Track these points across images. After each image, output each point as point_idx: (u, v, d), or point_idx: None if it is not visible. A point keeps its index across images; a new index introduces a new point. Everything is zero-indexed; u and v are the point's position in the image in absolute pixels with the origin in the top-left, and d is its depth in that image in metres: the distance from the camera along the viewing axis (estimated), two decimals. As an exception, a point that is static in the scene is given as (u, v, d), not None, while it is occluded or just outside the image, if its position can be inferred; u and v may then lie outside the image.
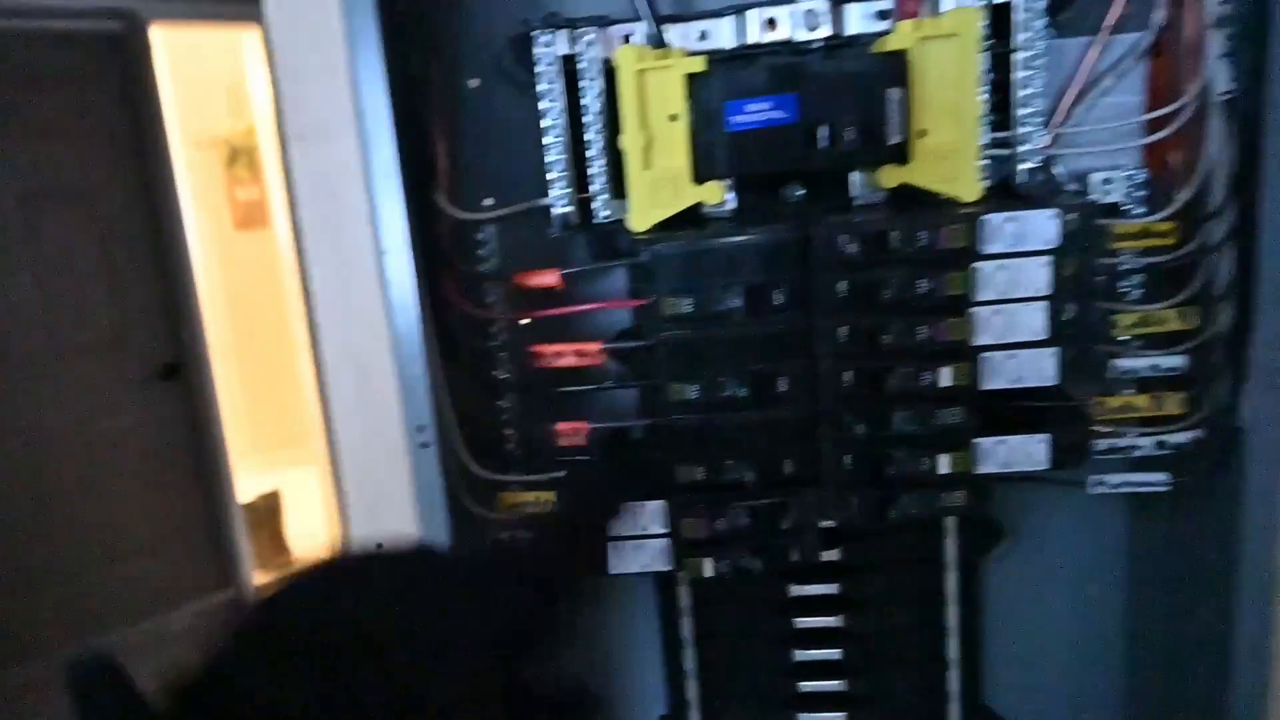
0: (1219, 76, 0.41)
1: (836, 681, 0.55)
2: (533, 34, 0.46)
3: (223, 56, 2.47)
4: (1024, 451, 0.44)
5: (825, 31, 0.45)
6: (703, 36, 0.47)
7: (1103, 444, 0.46)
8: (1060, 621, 0.55)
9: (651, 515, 0.47)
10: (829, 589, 0.54)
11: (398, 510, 0.47)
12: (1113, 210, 0.48)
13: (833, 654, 0.55)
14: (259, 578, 2.64)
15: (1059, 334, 0.42)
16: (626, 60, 0.44)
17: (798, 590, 0.54)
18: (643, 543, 0.47)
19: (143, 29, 2.14)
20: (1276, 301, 0.40)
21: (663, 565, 0.47)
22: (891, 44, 0.43)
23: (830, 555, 0.53)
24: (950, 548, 0.53)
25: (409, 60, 0.47)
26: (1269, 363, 0.41)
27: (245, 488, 2.76)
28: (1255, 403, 0.41)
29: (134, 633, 2.40)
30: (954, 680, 0.55)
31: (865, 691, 0.55)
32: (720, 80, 0.43)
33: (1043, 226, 0.41)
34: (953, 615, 0.54)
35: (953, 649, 0.54)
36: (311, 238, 0.44)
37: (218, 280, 2.89)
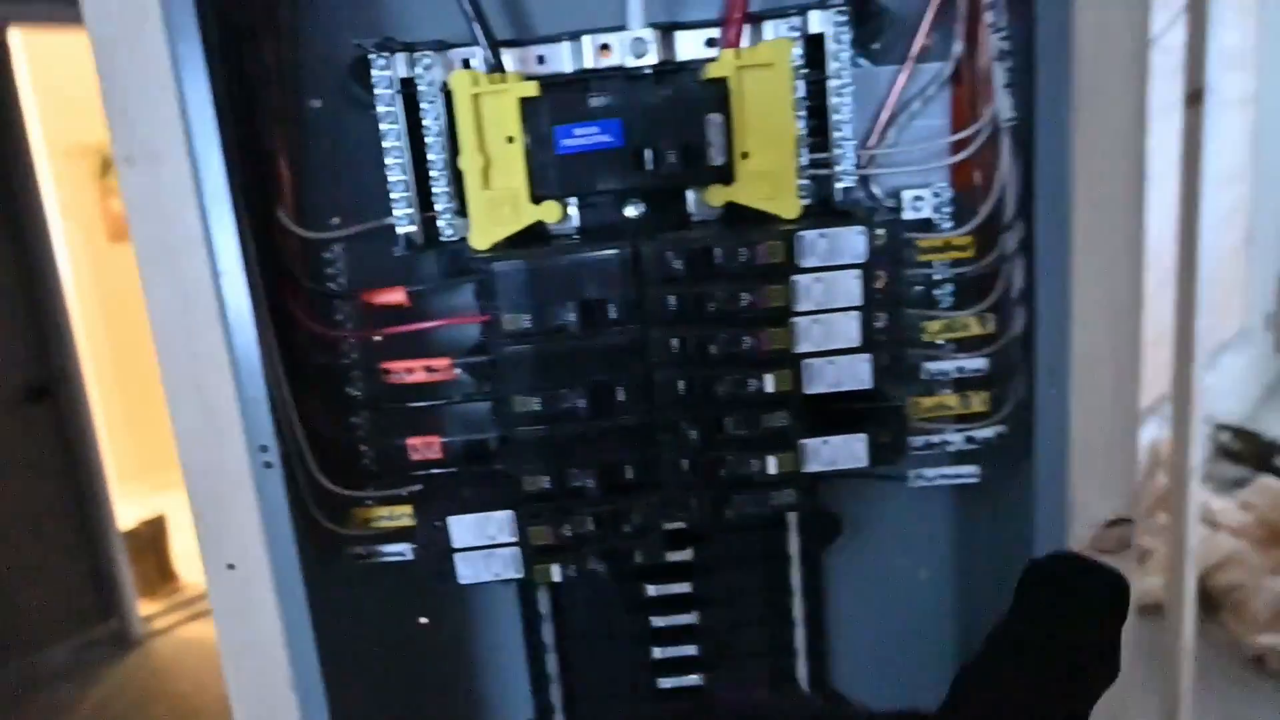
0: (1004, 105, 0.45)
1: (694, 676, 0.58)
2: (370, 57, 0.47)
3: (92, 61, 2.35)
4: (846, 450, 0.47)
5: (653, 58, 0.47)
6: (541, 60, 0.49)
7: (920, 441, 0.50)
8: (897, 606, 0.59)
9: (500, 525, 0.48)
10: (683, 588, 0.56)
11: (246, 530, 0.47)
12: (926, 225, 0.52)
13: (689, 650, 0.57)
14: (143, 608, 2.52)
15: (872, 341, 0.46)
16: (461, 85, 0.45)
17: (654, 590, 0.57)
18: (493, 551, 0.48)
19: (1, 33, 2.02)
20: (1052, 305, 0.45)
21: (514, 573, 0.49)
22: (713, 72, 0.45)
23: (682, 555, 0.56)
24: (793, 543, 0.56)
25: (248, 82, 0.47)
26: (1049, 361, 0.45)
27: (127, 513, 2.63)
28: (1041, 398, 0.46)
29: (6, 671, 2.26)
30: (803, 668, 0.58)
31: (722, 683, 0.58)
32: (550, 105, 0.44)
33: (852, 242, 0.45)
34: (798, 607, 0.57)
35: (800, 638, 0.58)
36: (146, 261, 0.44)
37: (91, 295, 2.75)
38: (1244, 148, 2.69)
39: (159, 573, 2.71)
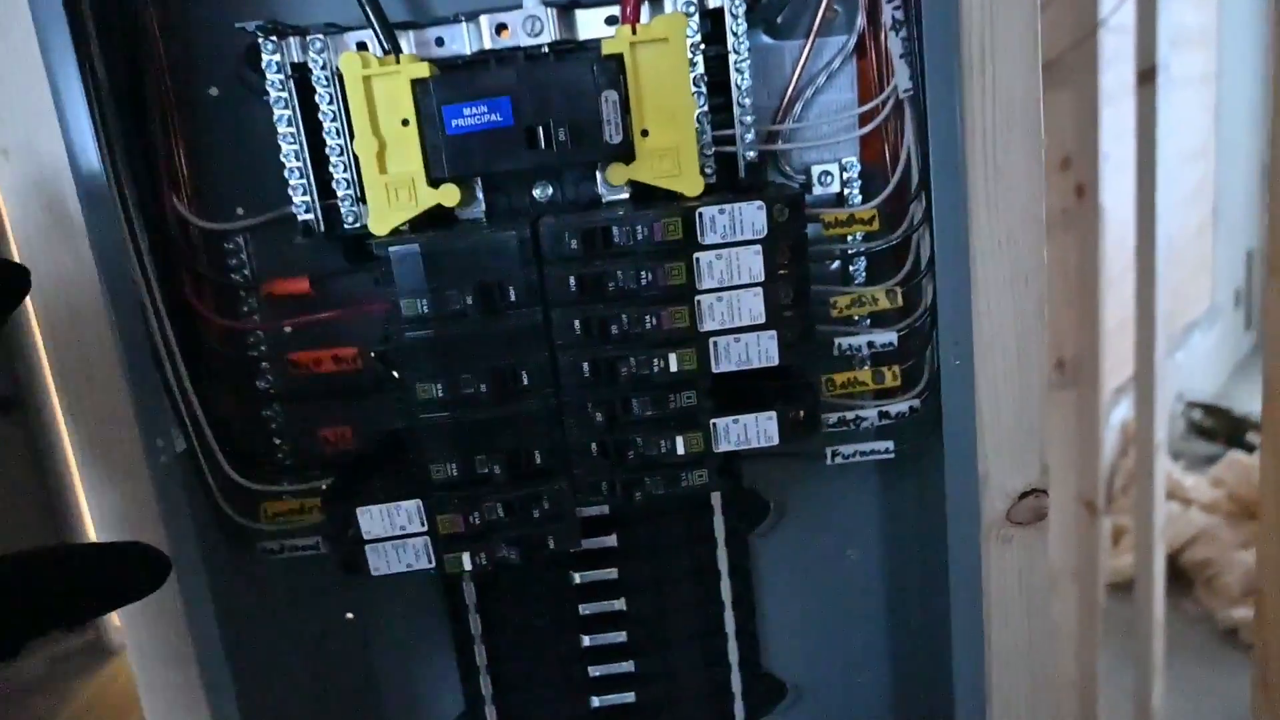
0: (902, 75, 0.45)
1: (625, 663, 0.57)
2: (260, 42, 0.46)
3: None
4: (757, 429, 0.47)
5: (550, 37, 0.47)
6: (440, 43, 0.48)
7: (834, 418, 0.49)
8: (826, 585, 0.59)
9: (409, 514, 0.47)
10: (609, 574, 0.56)
11: (146, 528, 0.46)
12: (839, 200, 0.51)
13: (618, 637, 0.57)
14: (116, 618, 2.50)
15: (777, 317, 0.45)
16: (351, 67, 0.44)
17: (580, 577, 0.56)
18: (403, 542, 0.47)
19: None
20: (951, 275, 0.44)
21: (425, 563, 0.48)
22: (607, 48, 0.45)
23: (607, 541, 0.55)
24: (719, 525, 0.56)
25: (138, 70, 0.46)
26: (952, 332, 0.45)
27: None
28: (947, 370, 0.45)
29: (-21, 687, 2.23)
30: (734, 651, 0.58)
31: (652, 670, 0.57)
32: (439, 86, 0.44)
33: (752, 217, 0.44)
34: (727, 589, 0.57)
35: (730, 621, 0.57)
36: (25, 250, 0.43)
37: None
38: (1206, 125, 2.71)
39: (135, 582, 2.69)
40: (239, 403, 0.51)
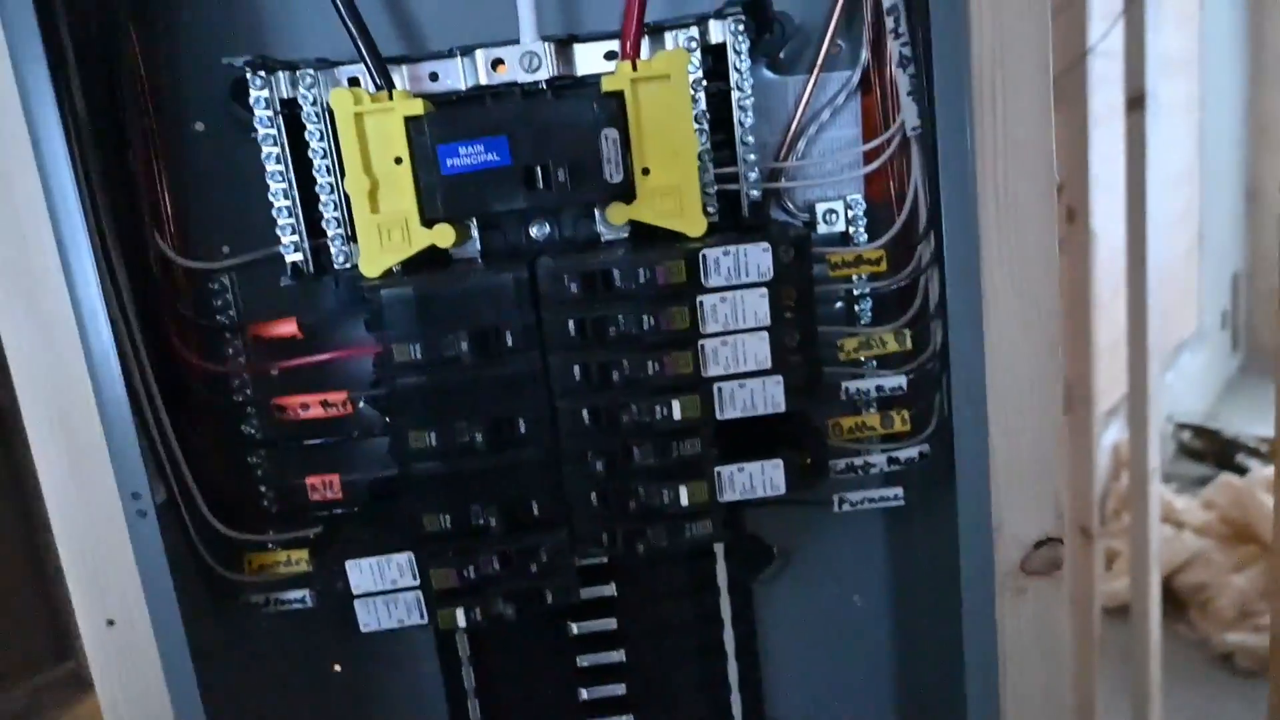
0: (910, 113, 0.44)
1: (624, 716, 0.55)
2: (248, 77, 0.44)
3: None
4: (763, 477, 0.45)
5: (547, 73, 0.45)
6: (434, 78, 0.47)
7: (841, 463, 0.48)
8: (832, 632, 0.57)
9: (401, 567, 0.45)
10: (608, 624, 0.54)
11: (125, 583, 0.44)
12: (843, 239, 0.50)
13: (618, 689, 0.55)
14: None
15: (784, 361, 0.44)
16: (342, 103, 0.43)
17: (578, 628, 0.54)
18: (395, 596, 0.45)
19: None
20: (964, 320, 0.43)
21: (417, 619, 0.46)
22: (608, 85, 0.43)
23: (605, 590, 0.53)
24: (721, 573, 0.54)
25: (119, 104, 0.45)
26: (965, 378, 0.43)
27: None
28: (959, 417, 0.44)
29: (-46, 722, 2.17)
30: (737, 703, 0.56)
31: (652, 724, 0.55)
32: (434, 124, 0.42)
33: (757, 259, 0.43)
34: (730, 638, 0.55)
35: (734, 671, 0.55)
36: (3, 294, 0.41)
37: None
38: (1190, 150, 2.73)
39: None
40: (222, 449, 0.49)
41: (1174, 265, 2.57)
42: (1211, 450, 2.68)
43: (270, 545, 0.49)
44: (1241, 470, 2.49)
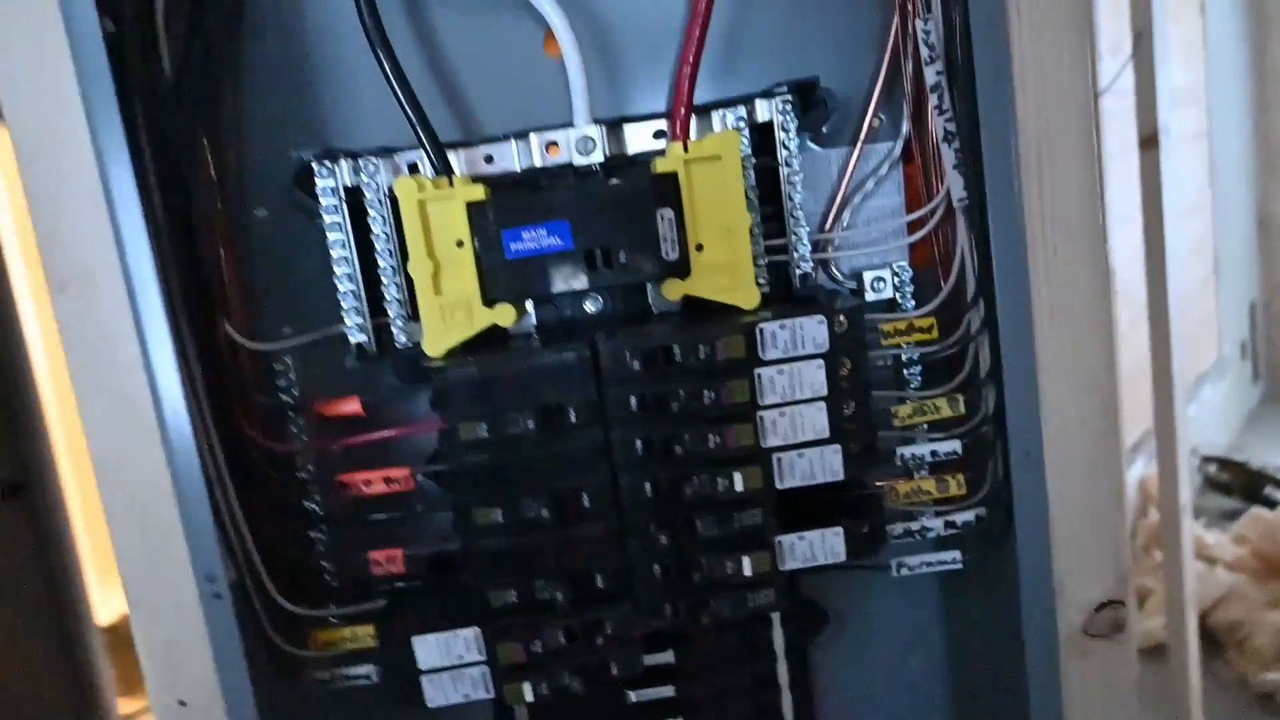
0: (956, 185, 0.45)
1: (684, 783, 0.55)
2: (313, 166, 0.46)
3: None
4: (823, 545, 0.46)
5: (600, 155, 0.47)
6: (489, 160, 0.48)
7: (899, 528, 0.48)
8: (888, 695, 0.57)
9: (467, 643, 0.46)
10: (666, 692, 0.54)
11: (198, 664, 0.45)
12: (890, 305, 0.51)
13: (676, 756, 0.54)
14: (123, 706, 2.43)
15: (841, 430, 0.45)
16: (406, 192, 0.44)
17: (636, 696, 0.54)
18: (461, 671, 0.46)
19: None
20: (1020, 386, 0.44)
21: (484, 693, 0.46)
22: (661, 167, 0.45)
23: (663, 658, 0.53)
24: (778, 637, 0.54)
25: (188, 194, 0.46)
26: (1022, 443, 0.44)
27: (106, 607, 2.55)
28: (1018, 482, 0.44)
29: (-22, 784, 2.16)
30: (796, 767, 0.55)
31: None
32: (496, 209, 0.44)
33: (814, 331, 0.44)
34: (787, 702, 0.55)
35: (792, 737, 0.55)
36: (83, 386, 0.42)
37: (68, 388, 2.71)
38: (1202, 180, 2.74)
39: (138, 669, 2.63)
40: (286, 526, 0.50)
41: (1190, 297, 2.57)
42: (1239, 483, 2.65)
43: (333, 620, 0.50)
44: (1271, 503, 2.46)
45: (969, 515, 0.48)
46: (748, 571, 0.45)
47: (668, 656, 0.53)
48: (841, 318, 0.44)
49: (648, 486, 0.44)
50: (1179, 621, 1.58)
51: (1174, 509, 1.54)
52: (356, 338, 0.47)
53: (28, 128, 0.41)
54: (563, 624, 0.45)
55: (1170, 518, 1.55)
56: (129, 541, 0.44)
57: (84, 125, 0.40)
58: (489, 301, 0.45)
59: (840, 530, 0.45)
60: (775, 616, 0.53)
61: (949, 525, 0.48)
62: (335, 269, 0.47)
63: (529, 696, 0.45)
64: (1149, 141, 1.48)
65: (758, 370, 0.44)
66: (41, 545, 2.33)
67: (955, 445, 0.47)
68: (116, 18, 0.41)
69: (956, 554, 0.49)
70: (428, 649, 0.46)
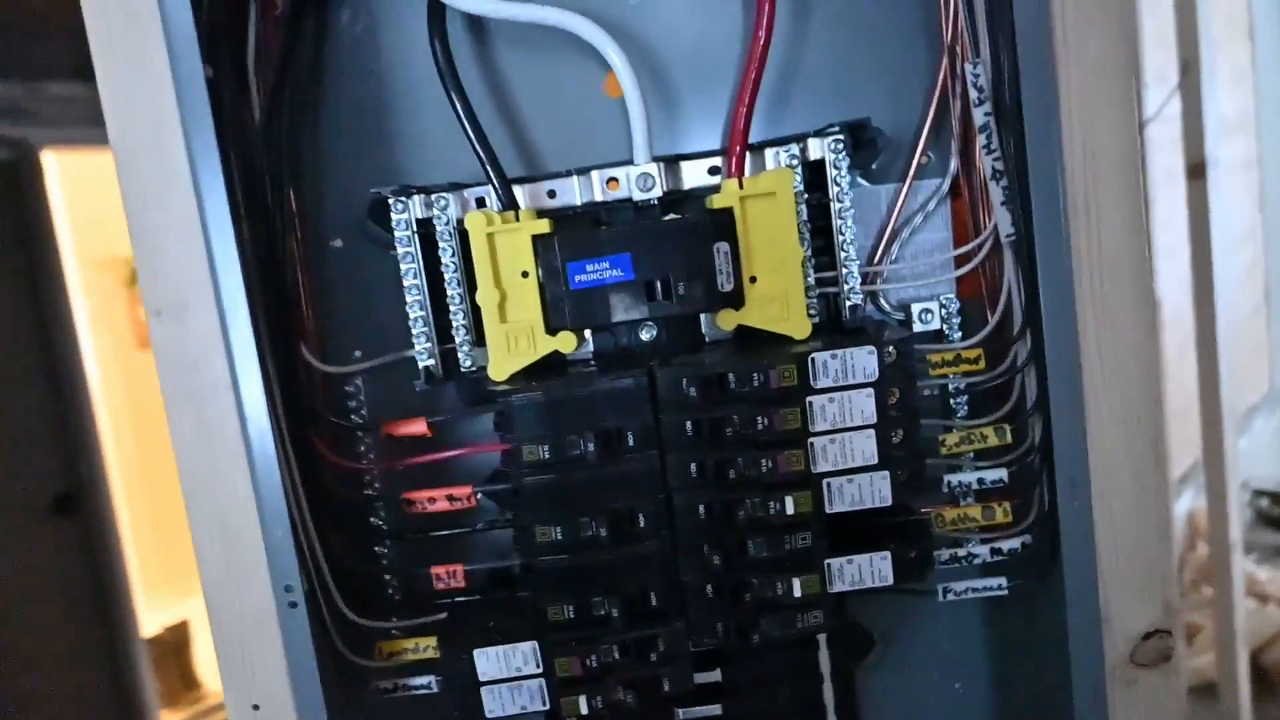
0: (1004, 221, 0.46)
1: (729, 802, 0.56)
2: (389, 201, 0.49)
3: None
4: (871, 569, 0.47)
5: (658, 192, 0.49)
6: (552, 195, 0.51)
7: (945, 554, 0.49)
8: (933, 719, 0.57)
9: (525, 656, 0.47)
10: (713, 710, 0.55)
11: (272, 671, 0.47)
12: (937, 336, 0.52)
13: (722, 775, 0.56)
14: (165, 717, 2.48)
15: (889, 457, 0.46)
16: (476, 226, 0.47)
17: (685, 714, 0.55)
18: (519, 684, 0.48)
19: (34, 156, 2.12)
20: (1067, 417, 0.45)
21: (540, 705, 0.48)
22: (717, 202, 0.47)
23: (711, 677, 0.55)
24: (824, 660, 0.55)
25: (270, 225, 0.49)
26: (1070, 473, 0.45)
27: (151, 619, 2.61)
28: (1064, 511, 0.45)
29: (28, 789, 2.21)
30: (841, 790, 0.56)
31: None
32: (561, 242, 0.46)
33: (864, 361, 0.45)
34: (833, 725, 0.56)
35: (837, 759, 0.56)
36: (174, 408, 0.45)
37: (120, 402, 2.80)
38: (1252, 210, 2.70)
39: (181, 681, 2.68)
40: (353, 541, 0.52)
41: (1241, 327, 2.53)
42: (1292, 517, 2.58)
43: (394, 632, 0.52)
44: (1326, 538, 2.39)
45: (1015, 543, 0.49)
46: (797, 593, 0.46)
47: (715, 675, 0.55)
48: (890, 348, 0.46)
49: (701, 509, 0.46)
50: (1230, 660, 1.54)
51: (1224, 544, 1.52)
52: (425, 362, 0.50)
53: (132, 162, 0.45)
54: (617, 640, 0.47)
55: (1220, 553, 1.52)
56: (212, 553, 0.46)
57: (185, 163, 0.44)
58: (552, 329, 0.47)
59: (888, 554, 0.46)
60: (822, 639, 0.55)
61: (995, 552, 0.49)
62: (406, 296, 0.49)
63: (584, 709, 0.47)
64: (1196, 171, 1.47)
65: (809, 398, 0.45)
66: (91, 557, 2.40)
67: (1002, 473, 0.48)
68: (214, 65, 0.44)
69: (1002, 580, 0.50)
70: (488, 661, 0.47)
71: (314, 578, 0.49)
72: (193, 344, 0.45)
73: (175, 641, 2.69)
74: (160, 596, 2.75)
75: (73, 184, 2.31)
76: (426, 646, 0.51)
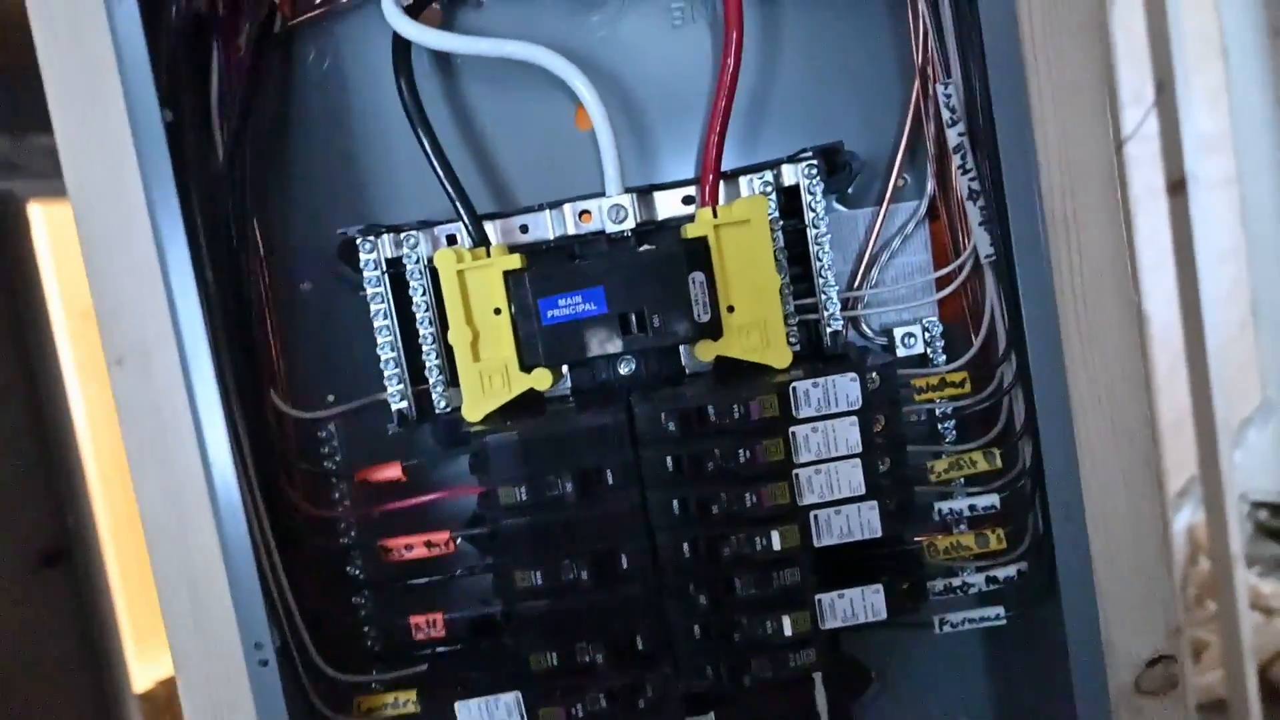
0: (983, 242, 0.46)
1: None
2: (357, 241, 0.48)
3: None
4: (864, 603, 0.45)
5: (632, 223, 0.48)
6: (524, 229, 0.50)
7: (940, 584, 0.48)
8: (937, 759, 0.55)
9: (509, 707, 0.46)
10: (707, 754, 0.53)
11: (243, 731, 0.45)
12: (921, 360, 0.51)
13: (718, 823, 0.53)
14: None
15: (877, 486, 0.45)
16: (446, 263, 0.46)
17: (677, 759, 0.53)
18: (502, 737, 0.46)
19: (21, 208, 2.12)
20: (1056, 440, 0.44)
21: (525, 758, 0.46)
22: (691, 232, 0.46)
23: (704, 720, 0.53)
24: (821, 699, 0.53)
25: (236, 269, 0.48)
26: (1062, 497, 0.44)
27: (143, 673, 2.55)
28: (1059, 536, 0.44)
29: None
30: (843, 834, 0.54)
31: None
32: (533, 278, 0.45)
33: (846, 388, 0.44)
34: (832, 766, 0.54)
35: (837, 803, 0.54)
36: (137, 459, 0.44)
37: (109, 452, 2.76)
38: (1234, 225, 2.72)
39: (174, 737, 2.62)
40: (328, 592, 0.51)
41: (1230, 341, 2.53)
42: (1292, 529, 2.57)
43: (375, 686, 0.50)
44: (1327, 549, 2.38)
45: (1010, 570, 0.47)
46: (788, 631, 0.45)
47: (709, 719, 0.53)
48: (874, 374, 0.45)
49: (685, 547, 0.45)
50: (1238, 675, 1.52)
51: (1226, 559, 1.50)
52: (398, 404, 0.49)
53: (91, 209, 0.44)
54: (604, 688, 0.45)
55: (1223, 568, 1.50)
56: (178, 609, 0.45)
57: (143, 208, 0.43)
58: (526, 367, 0.46)
59: (880, 587, 0.45)
60: (818, 677, 0.53)
61: (990, 580, 0.47)
62: (377, 338, 0.48)
63: (571, 761, 0.45)
64: (1177, 187, 1.48)
65: (792, 429, 0.44)
66: (81, 612, 2.36)
67: (993, 499, 0.47)
68: (175, 108, 0.44)
69: (1000, 610, 0.48)
70: (469, 713, 0.46)
71: (287, 632, 0.47)
72: (155, 393, 0.43)
73: (167, 696, 2.63)
74: (152, 650, 2.70)
75: (59, 235, 2.31)
76: (406, 700, 0.49)
